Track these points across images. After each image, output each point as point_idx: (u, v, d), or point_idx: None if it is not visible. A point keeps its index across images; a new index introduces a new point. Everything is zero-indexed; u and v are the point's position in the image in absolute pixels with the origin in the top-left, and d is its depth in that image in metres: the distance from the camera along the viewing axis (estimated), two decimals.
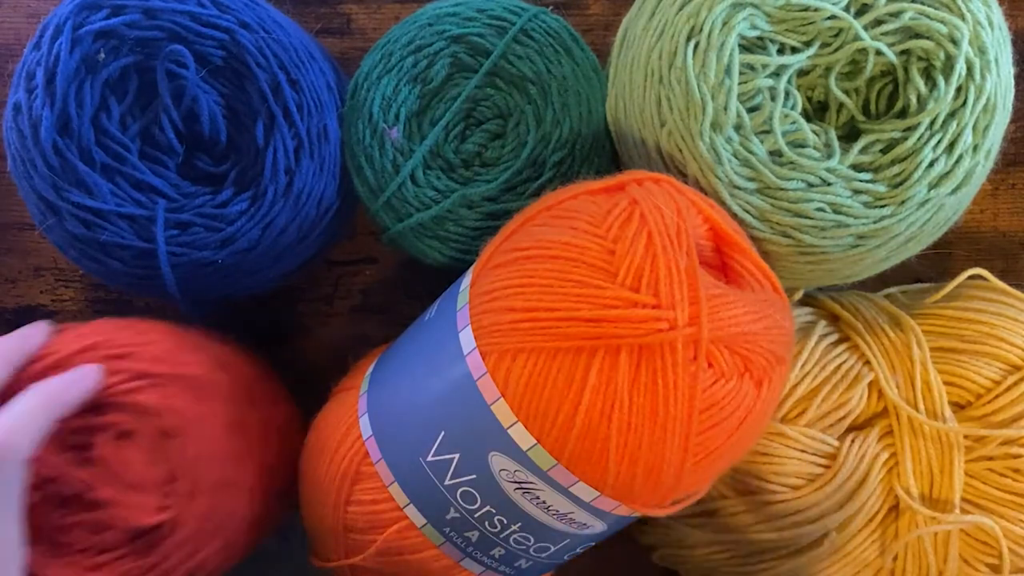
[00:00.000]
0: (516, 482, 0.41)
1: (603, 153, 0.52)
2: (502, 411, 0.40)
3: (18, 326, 0.60)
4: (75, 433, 0.45)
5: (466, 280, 0.44)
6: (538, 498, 0.41)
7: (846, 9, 0.47)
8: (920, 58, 0.47)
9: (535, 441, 0.40)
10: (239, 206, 0.49)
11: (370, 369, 0.49)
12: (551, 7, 0.53)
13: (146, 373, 0.46)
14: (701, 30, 0.46)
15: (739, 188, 0.47)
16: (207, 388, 0.48)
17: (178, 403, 0.46)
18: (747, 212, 0.47)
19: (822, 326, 0.53)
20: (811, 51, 0.48)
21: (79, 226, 0.48)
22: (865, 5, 0.48)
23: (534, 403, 0.39)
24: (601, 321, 0.38)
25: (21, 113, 0.47)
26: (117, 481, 0.44)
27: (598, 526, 0.44)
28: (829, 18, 0.47)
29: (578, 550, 0.47)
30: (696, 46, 0.47)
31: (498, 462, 0.41)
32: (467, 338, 0.42)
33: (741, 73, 0.47)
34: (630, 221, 0.40)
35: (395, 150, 0.51)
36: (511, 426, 0.40)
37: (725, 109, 0.46)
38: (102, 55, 0.47)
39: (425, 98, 0.51)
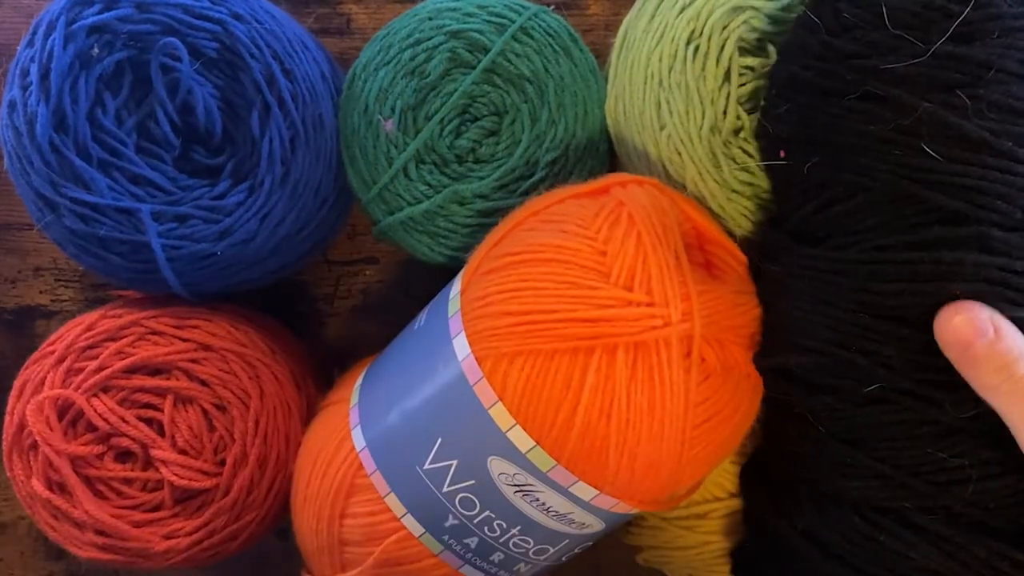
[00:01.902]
0: (516, 485, 0.40)
1: (597, 155, 0.51)
2: (500, 415, 0.39)
3: (18, 326, 0.60)
4: (143, 392, 0.48)
5: (455, 287, 0.43)
6: (538, 500, 0.41)
7: None
8: None
9: (534, 443, 0.39)
10: (236, 197, 0.48)
11: (359, 381, 0.49)
12: (551, 6, 0.51)
13: (208, 346, 0.49)
14: (701, 34, 0.45)
15: (737, 192, 0.45)
16: (261, 368, 0.50)
17: (234, 379, 0.49)
18: (744, 216, 0.46)
19: None
20: None
21: (77, 222, 0.46)
22: None
23: (533, 405, 0.39)
24: (598, 321, 0.38)
25: (16, 110, 0.46)
26: (173, 443, 0.48)
27: (597, 525, 0.43)
28: None
29: (576, 550, 0.46)
30: (696, 49, 0.45)
31: (497, 466, 0.40)
32: (461, 344, 0.41)
33: (741, 75, 0.45)
34: (619, 222, 0.41)
35: (389, 142, 0.49)
36: (509, 429, 0.39)
37: (724, 113, 0.45)
38: (96, 50, 0.46)
39: (421, 92, 0.50)
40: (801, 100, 0.40)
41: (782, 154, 0.41)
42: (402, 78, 0.49)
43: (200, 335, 0.49)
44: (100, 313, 0.50)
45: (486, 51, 0.49)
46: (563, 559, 0.46)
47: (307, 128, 0.48)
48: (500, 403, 0.39)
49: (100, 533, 0.47)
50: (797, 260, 0.41)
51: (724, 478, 0.47)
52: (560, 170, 0.49)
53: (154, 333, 0.49)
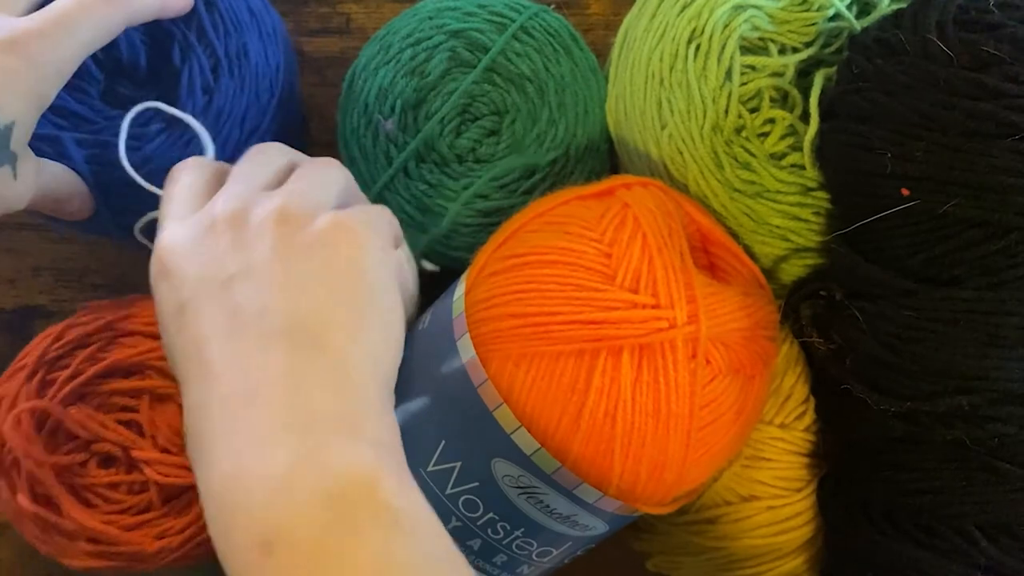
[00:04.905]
0: (519, 487, 0.40)
1: (598, 155, 0.50)
2: (505, 417, 0.39)
3: (18, 326, 0.59)
4: (118, 395, 0.47)
5: (460, 289, 0.43)
6: (541, 502, 0.40)
7: (849, 8, 0.46)
8: None
9: (539, 445, 0.39)
10: (157, 125, 0.47)
11: None
12: (552, 5, 0.51)
13: None
14: (702, 32, 0.45)
15: (739, 191, 0.45)
16: None
17: None
18: (747, 215, 0.45)
19: None
20: (812, 51, 0.46)
21: None
22: (868, 5, 0.46)
23: (538, 407, 0.38)
24: (603, 323, 0.38)
25: None
26: (154, 443, 0.47)
27: (600, 527, 0.42)
28: (831, 19, 0.46)
29: (579, 553, 0.45)
30: (697, 48, 0.45)
31: (501, 468, 0.40)
32: (465, 346, 0.40)
33: (742, 73, 0.45)
34: (624, 224, 0.40)
35: (389, 141, 0.49)
36: (514, 431, 0.39)
37: (726, 112, 0.45)
38: None
39: (422, 91, 0.50)
40: (945, 141, 0.38)
41: (905, 193, 0.40)
42: (402, 77, 0.49)
43: None
44: (67, 323, 0.49)
45: (486, 50, 0.49)
46: (566, 561, 0.45)
47: (230, 58, 0.48)
48: (505, 405, 0.39)
49: (92, 541, 0.47)
50: (938, 303, 0.40)
51: (735, 482, 0.47)
52: (560, 169, 0.49)
53: (123, 335, 0.48)
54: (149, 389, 0.47)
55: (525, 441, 0.39)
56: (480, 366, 0.39)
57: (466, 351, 0.40)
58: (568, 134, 0.49)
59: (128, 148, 0.46)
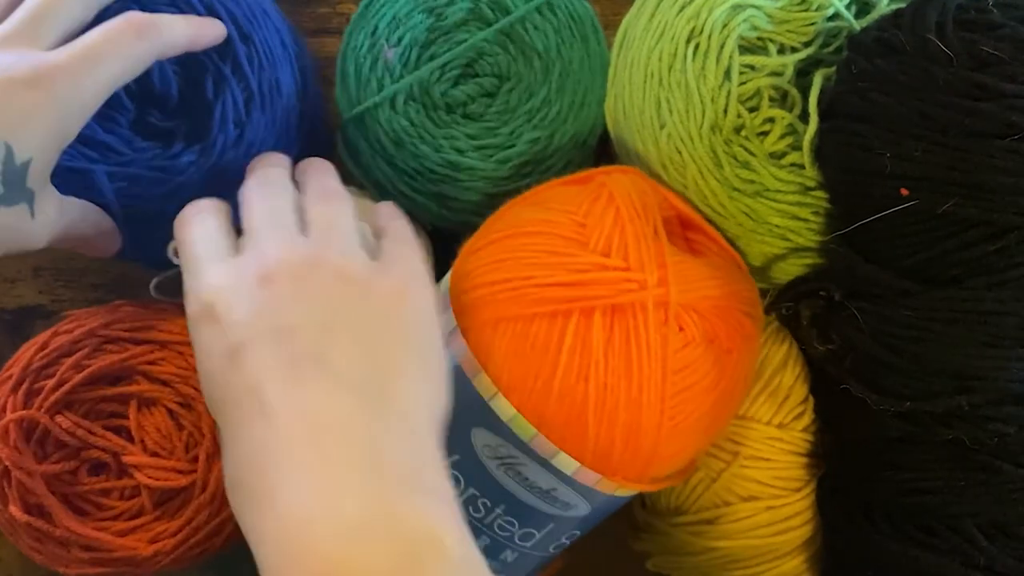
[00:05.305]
0: (498, 458, 0.40)
1: (582, 149, 0.50)
2: (483, 384, 0.40)
3: (18, 326, 0.59)
4: (106, 401, 0.47)
5: (450, 271, 0.44)
6: (520, 474, 0.41)
7: (848, 8, 0.46)
8: None
9: (515, 411, 0.39)
10: (188, 157, 0.47)
11: None
12: None
13: (165, 344, 0.48)
14: (701, 32, 0.45)
15: (738, 190, 0.45)
16: None
17: (195, 374, 0.47)
18: (746, 214, 0.45)
19: None
20: (811, 50, 0.46)
21: None
22: (867, 5, 0.46)
23: (513, 371, 0.40)
24: (575, 284, 0.39)
25: None
26: (143, 447, 0.47)
27: (581, 507, 0.42)
28: (830, 18, 0.46)
29: (563, 540, 0.45)
30: (696, 48, 0.45)
31: (480, 437, 0.40)
32: (448, 319, 0.41)
33: (741, 73, 0.45)
34: (599, 199, 0.42)
35: (386, 70, 0.49)
36: (492, 398, 0.40)
37: (725, 111, 0.44)
38: None
39: (434, 33, 0.50)
40: (944, 141, 0.38)
41: (904, 193, 0.40)
42: (419, 12, 0.49)
43: (155, 335, 0.48)
44: (52, 331, 0.49)
45: (508, 13, 0.49)
46: (551, 550, 0.45)
47: (263, 92, 0.47)
48: (483, 373, 0.40)
49: (86, 548, 0.46)
50: (938, 303, 0.40)
51: (734, 483, 0.47)
52: (540, 151, 0.49)
53: (108, 341, 0.48)
54: (136, 394, 0.47)
55: (502, 407, 0.39)
56: (461, 336, 0.40)
57: (448, 324, 0.41)
58: (558, 119, 0.49)
59: (156, 180, 0.46)
